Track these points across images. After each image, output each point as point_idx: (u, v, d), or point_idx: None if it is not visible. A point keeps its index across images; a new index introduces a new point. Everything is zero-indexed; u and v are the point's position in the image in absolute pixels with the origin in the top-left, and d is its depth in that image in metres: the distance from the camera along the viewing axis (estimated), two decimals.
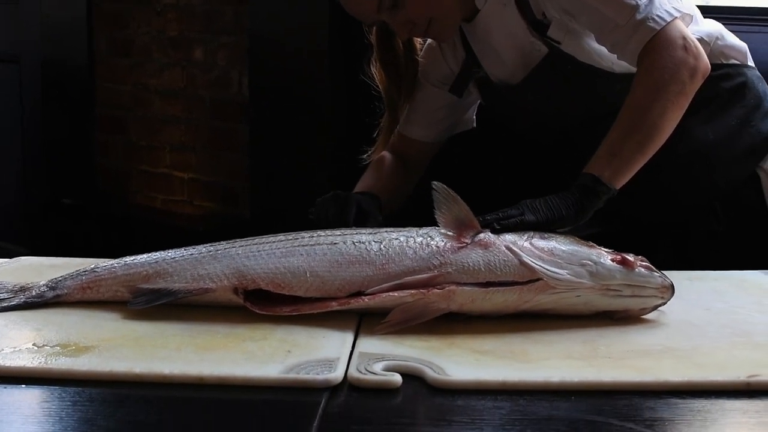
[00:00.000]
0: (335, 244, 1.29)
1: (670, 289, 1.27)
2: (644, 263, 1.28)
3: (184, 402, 1.03)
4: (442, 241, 1.27)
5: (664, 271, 1.30)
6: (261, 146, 3.42)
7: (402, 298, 1.23)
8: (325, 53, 3.09)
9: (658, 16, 1.54)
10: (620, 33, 1.58)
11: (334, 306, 1.24)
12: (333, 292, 1.25)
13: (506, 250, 1.25)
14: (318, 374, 1.05)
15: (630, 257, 1.27)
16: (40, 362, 1.09)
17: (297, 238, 1.31)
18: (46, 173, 4.26)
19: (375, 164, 1.91)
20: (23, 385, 1.06)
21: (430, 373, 1.06)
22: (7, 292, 1.35)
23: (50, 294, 1.33)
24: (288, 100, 3.27)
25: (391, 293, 1.23)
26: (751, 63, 1.83)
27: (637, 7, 1.55)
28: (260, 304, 1.26)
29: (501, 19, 1.73)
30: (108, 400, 1.03)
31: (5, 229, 4.34)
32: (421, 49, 1.90)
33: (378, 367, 1.08)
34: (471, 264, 1.24)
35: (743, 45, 1.82)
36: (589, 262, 1.25)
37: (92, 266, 1.36)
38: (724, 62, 1.78)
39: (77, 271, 1.36)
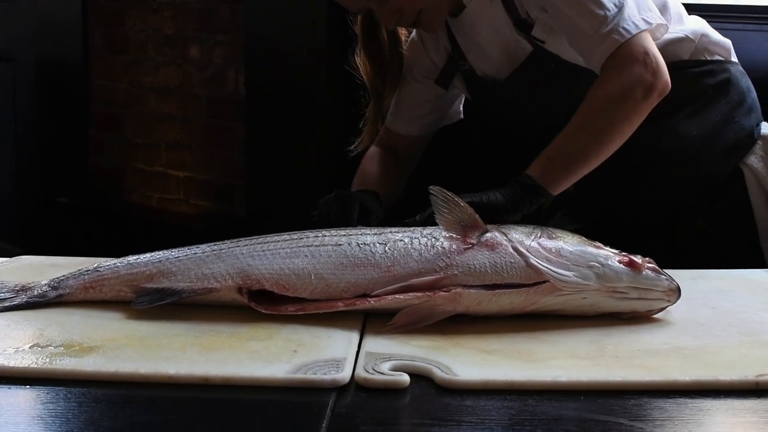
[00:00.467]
0: (340, 245, 1.28)
1: (677, 291, 1.27)
2: (651, 265, 1.27)
3: (190, 402, 1.02)
4: (448, 242, 1.27)
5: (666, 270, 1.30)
6: (257, 144, 3.42)
7: (408, 301, 1.22)
8: (321, 51, 3.08)
9: (624, 28, 1.55)
10: (588, 41, 1.59)
11: (340, 306, 1.24)
12: (338, 294, 1.25)
13: (513, 252, 1.24)
14: (326, 374, 1.04)
15: (637, 259, 1.26)
16: (44, 363, 1.08)
17: (302, 238, 1.30)
18: (40, 172, 4.25)
19: (368, 160, 1.92)
20: (27, 386, 1.05)
21: (438, 373, 1.05)
22: (8, 292, 1.34)
23: (52, 294, 1.32)
24: (284, 98, 3.27)
25: (397, 296, 1.22)
26: (734, 59, 1.84)
27: (605, 17, 1.56)
28: (265, 304, 1.25)
29: (487, 16, 1.73)
30: (114, 400, 1.02)
31: None
32: (406, 41, 1.90)
33: (385, 366, 1.07)
34: (477, 266, 1.23)
35: (727, 41, 1.83)
36: (597, 264, 1.24)
37: (95, 266, 1.35)
38: (709, 59, 1.79)
39: (79, 270, 1.35)
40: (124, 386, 1.05)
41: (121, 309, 1.29)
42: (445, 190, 1.29)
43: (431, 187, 1.30)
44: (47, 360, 1.09)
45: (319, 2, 2.97)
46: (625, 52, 1.55)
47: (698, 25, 1.81)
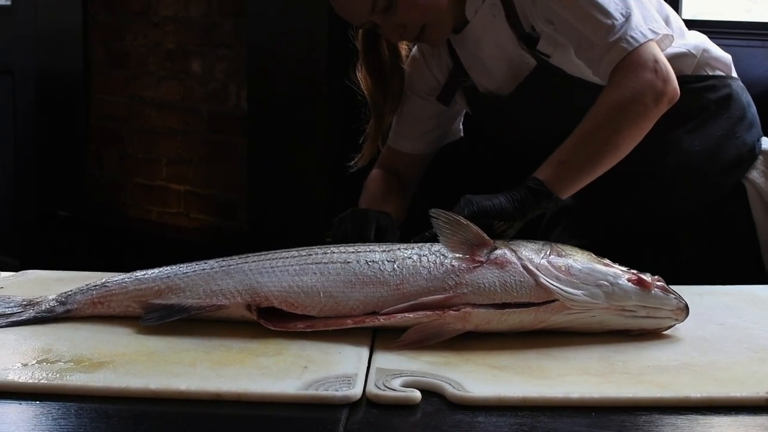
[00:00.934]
0: (348, 263, 1.27)
1: (685, 310, 1.27)
2: (660, 284, 1.27)
3: (202, 418, 1.02)
4: (457, 260, 1.27)
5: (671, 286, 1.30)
6: (259, 159, 3.42)
7: (417, 319, 1.22)
8: (323, 66, 3.09)
9: (631, 36, 1.55)
10: (595, 51, 1.59)
11: (349, 324, 1.24)
12: (347, 312, 1.24)
13: (523, 270, 1.24)
14: (337, 390, 1.04)
15: (646, 277, 1.26)
16: (54, 378, 1.08)
17: (310, 255, 1.30)
18: (39, 185, 4.25)
19: (372, 184, 1.90)
20: (37, 402, 1.05)
21: (450, 389, 1.05)
22: (16, 306, 1.34)
23: (60, 309, 1.32)
24: (287, 114, 3.27)
25: (406, 314, 1.22)
26: (734, 74, 1.84)
27: (612, 26, 1.56)
28: (274, 320, 1.25)
29: (490, 31, 1.73)
30: (126, 416, 1.03)
31: None
32: (407, 57, 1.90)
33: (396, 383, 1.07)
34: (487, 284, 1.23)
35: (727, 56, 1.84)
36: (606, 283, 1.24)
37: (102, 281, 1.34)
38: (710, 74, 1.80)
39: (87, 285, 1.35)
40: (136, 402, 1.05)
41: (129, 324, 1.29)
42: (446, 212, 1.29)
43: (431, 210, 1.29)
44: (57, 375, 1.09)
45: (322, 17, 2.98)
46: (633, 60, 1.55)
47: (699, 40, 1.82)
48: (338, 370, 1.12)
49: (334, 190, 3.01)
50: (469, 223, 1.30)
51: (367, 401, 1.05)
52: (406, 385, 1.07)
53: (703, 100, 1.77)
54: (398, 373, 1.10)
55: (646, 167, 1.56)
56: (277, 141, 3.33)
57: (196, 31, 3.67)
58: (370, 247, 1.31)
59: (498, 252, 1.27)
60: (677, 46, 1.73)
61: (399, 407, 1.04)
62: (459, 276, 1.24)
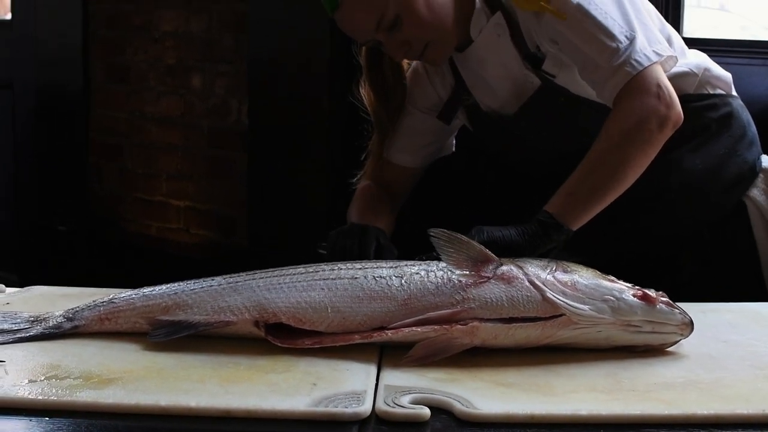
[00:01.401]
0: (356, 278, 1.28)
1: (690, 325, 1.28)
2: (664, 299, 1.28)
3: None
4: (463, 275, 1.27)
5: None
6: (259, 175, 3.43)
7: (425, 334, 1.23)
8: (325, 82, 3.10)
9: (636, 60, 1.56)
10: (599, 74, 1.60)
11: (357, 339, 1.24)
12: (354, 327, 1.25)
13: (529, 285, 1.25)
14: (347, 407, 1.05)
15: (651, 293, 1.27)
16: (64, 395, 1.09)
17: (317, 271, 1.31)
18: (39, 199, 4.25)
19: (364, 196, 1.90)
20: (47, 418, 1.05)
21: (458, 406, 1.06)
22: (23, 323, 1.34)
23: (68, 325, 1.33)
24: (287, 129, 3.28)
25: (414, 328, 1.23)
26: (734, 92, 1.86)
27: (617, 49, 1.57)
28: (281, 337, 1.26)
29: (495, 50, 1.74)
30: None
31: None
32: (407, 70, 1.90)
33: (405, 400, 1.08)
34: (494, 299, 1.24)
35: (728, 75, 1.85)
36: (611, 298, 1.26)
37: (110, 297, 1.35)
38: (711, 92, 1.81)
39: (94, 301, 1.35)
40: (146, 418, 1.05)
41: (136, 340, 1.30)
42: (446, 231, 1.30)
43: (430, 230, 1.30)
44: (67, 392, 1.10)
45: (323, 33, 2.99)
46: (637, 84, 1.56)
47: (700, 59, 1.83)
48: (347, 386, 1.12)
49: (334, 206, 3.01)
50: (470, 240, 1.31)
51: (376, 418, 1.05)
52: (415, 402, 1.08)
53: (705, 119, 1.78)
54: (407, 390, 1.11)
55: (648, 187, 1.57)
56: (278, 157, 3.33)
57: (196, 47, 3.68)
58: (378, 263, 1.32)
59: (504, 268, 1.28)
60: (679, 66, 1.74)
61: (408, 424, 1.04)
62: (466, 291, 1.25)
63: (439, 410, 1.07)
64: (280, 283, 1.29)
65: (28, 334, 1.31)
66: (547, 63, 1.70)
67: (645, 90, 1.55)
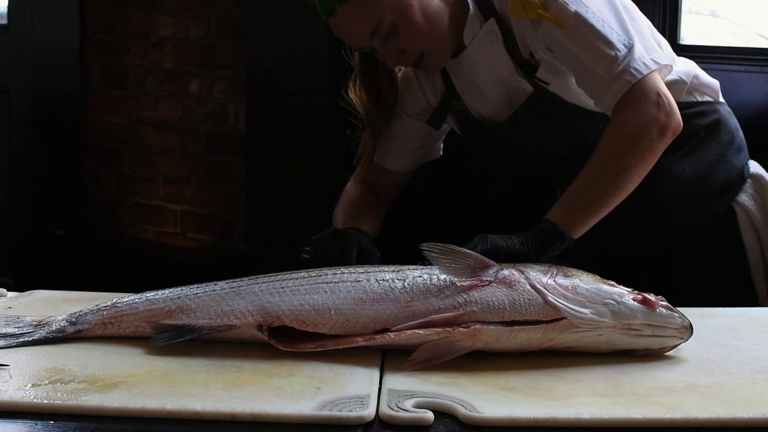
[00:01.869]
0: (359, 281, 1.29)
1: (690, 329, 1.29)
2: (664, 303, 1.29)
3: None
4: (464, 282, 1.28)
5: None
6: (257, 179, 3.43)
7: (427, 336, 1.23)
8: (323, 86, 3.11)
9: (635, 68, 1.57)
10: (598, 82, 1.60)
11: (360, 342, 1.25)
12: (357, 329, 1.26)
13: (531, 289, 1.26)
14: (351, 411, 1.06)
15: (651, 297, 1.28)
16: (69, 398, 1.09)
17: (320, 275, 1.32)
18: (36, 204, 4.24)
19: (350, 198, 1.90)
20: (52, 421, 1.05)
21: (462, 410, 1.07)
22: (26, 327, 1.34)
23: (71, 329, 1.33)
24: (285, 134, 3.29)
25: (416, 331, 1.24)
26: (722, 99, 1.87)
27: (616, 58, 1.57)
28: (284, 341, 1.27)
29: (487, 57, 1.74)
30: None
31: None
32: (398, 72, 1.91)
33: (409, 404, 1.09)
34: (496, 303, 1.25)
35: (715, 82, 1.87)
36: (612, 302, 1.27)
37: (113, 301, 1.35)
38: (699, 99, 1.83)
39: (97, 305, 1.36)
40: (152, 422, 1.06)
41: (140, 344, 1.30)
42: (437, 243, 1.30)
43: (422, 245, 1.31)
44: (72, 396, 1.10)
45: (322, 38, 3.00)
46: (637, 92, 1.57)
47: (688, 66, 1.85)
48: (351, 390, 1.13)
49: (332, 211, 3.02)
50: (464, 249, 1.32)
51: (380, 421, 1.06)
52: (419, 406, 1.08)
53: (694, 126, 1.79)
54: (410, 394, 1.12)
55: (638, 193, 1.58)
56: (276, 161, 3.34)
57: (195, 52, 3.68)
58: (381, 267, 1.33)
59: (505, 272, 1.30)
60: (670, 74, 1.75)
61: (412, 428, 1.05)
62: (468, 294, 1.26)
63: (443, 414, 1.08)
64: (283, 287, 1.30)
65: (31, 338, 1.31)
66: (540, 70, 1.71)
67: (645, 98, 1.56)
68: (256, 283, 1.32)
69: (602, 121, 1.64)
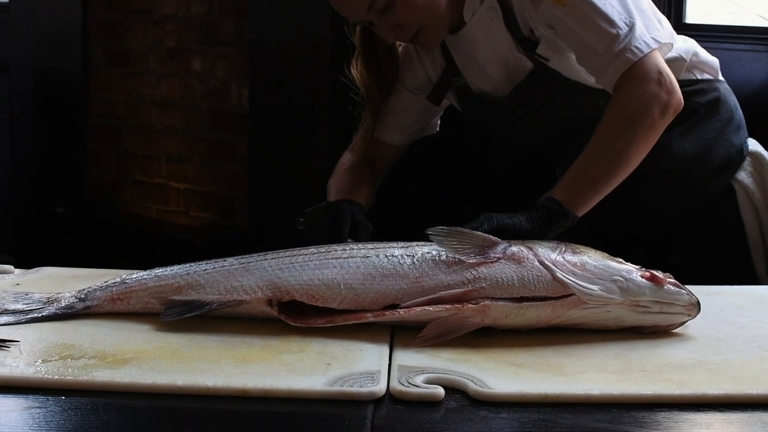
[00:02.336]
0: (368, 257, 1.30)
1: (697, 306, 1.30)
2: (672, 280, 1.30)
3: (228, 414, 1.04)
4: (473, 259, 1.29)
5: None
6: (259, 157, 3.43)
7: (437, 313, 1.24)
8: (326, 64, 3.10)
9: (636, 47, 1.57)
10: (599, 60, 1.61)
11: (369, 318, 1.26)
12: (367, 304, 1.26)
13: (539, 265, 1.26)
14: (362, 387, 1.06)
15: (659, 274, 1.29)
16: (80, 374, 1.09)
17: (329, 251, 1.32)
18: (37, 182, 4.24)
19: (347, 169, 1.90)
20: (63, 397, 1.06)
21: (472, 386, 1.07)
22: (35, 303, 1.34)
23: (80, 305, 1.33)
24: (288, 112, 3.28)
25: (426, 307, 1.24)
26: (721, 77, 1.87)
27: (617, 36, 1.58)
28: (293, 317, 1.27)
29: (487, 33, 1.74)
30: (152, 412, 1.04)
31: None
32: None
33: (419, 379, 1.09)
34: (505, 279, 1.26)
35: (715, 60, 1.87)
36: (620, 278, 1.27)
37: (122, 277, 1.36)
38: (699, 77, 1.83)
39: (106, 282, 1.36)
40: (163, 398, 1.06)
41: (149, 321, 1.30)
42: (443, 227, 1.31)
43: (428, 230, 1.31)
44: (83, 371, 1.10)
45: (324, 15, 2.99)
46: (638, 71, 1.57)
47: (688, 44, 1.85)
48: (361, 366, 1.13)
49: None
50: (470, 230, 1.33)
51: (390, 397, 1.07)
52: (429, 382, 1.09)
53: (693, 103, 1.79)
54: (420, 370, 1.12)
55: (638, 171, 1.58)
56: (278, 139, 3.34)
57: (196, 30, 3.67)
58: (390, 243, 1.33)
59: (514, 248, 1.30)
60: (670, 51, 1.75)
61: (422, 403, 1.05)
62: (477, 270, 1.27)
63: (453, 390, 1.08)
64: (292, 263, 1.30)
65: (40, 315, 1.31)
66: (540, 47, 1.71)
67: (646, 77, 1.56)
68: (266, 259, 1.32)
69: (603, 98, 1.65)
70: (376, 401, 1.05)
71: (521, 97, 1.78)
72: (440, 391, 1.06)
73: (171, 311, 1.29)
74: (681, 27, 2.74)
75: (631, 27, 1.58)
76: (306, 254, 1.32)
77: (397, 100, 1.90)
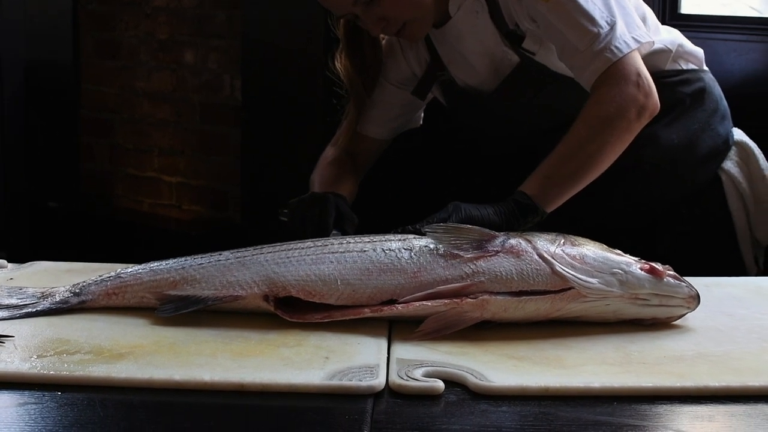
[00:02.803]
0: (365, 251, 1.28)
1: (697, 298, 1.29)
2: (671, 272, 1.29)
3: (226, 409, 1.03)
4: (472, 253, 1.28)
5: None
6: (252, 150, 3.42)
7: (435, 308, 1.23)
8: (319, 57, 3.08)
9: (616, 47, 1.57)
10: (579, 58, 1.61)
11: (367, 312, 1.25)
12: (364, 300, 1.25)
13: (538, 258, 1.25)
14: (361, 380, 1.05)
15: (658, 266, 1.28)
16: (75, 369, 1.08)
17: (326, 245, 1.31)
18: (29, 176, 4.22)
19: (330, 163, 1.90)
20: (59, 392, 1.05)
21: (472, 379, 1.07)
22: (29, 298, 1.33)
23: (75, 300, 1.32)
24: (281, 104, 3.27)
25: (424, 302, 1.23)
26: (705, 67, 1.88)
27: (597, 35, 1.58)
28: (290, 312, 1.26)
29: (473, 27, 1.74)
30: (151, 407, 1.03)
31: None
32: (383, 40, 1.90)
33: (418, 373, 1.08)
34: (503, 273, 1.25)
35: (699, 50, 1.88)
36: (619, 271, 1.26)
37: (117, 272, 1.34)
38: (684, 68, 1.84)
39: (101, 276, 1.35)
40: (160, 393, 1.05)
41: (145, 315, 1.29)
42: (440, 224, 1.32)
43: (426, 228, 1.31)
44: (78, 367, 1.09)
45: (317, 8, 2.96)
46: (617, 71, 1.57)
47: (673, 35, 1.86)
48: (359, 360, 1.12)
49: None
50: (469, 226, 1.32)
51: (390, 391, 1.06)
52: (428, 375, 1.08)
53: (679, 94, 1.80)
54: (419, 364, 1.11)
55: (624, 162, 1.58)
56: (271, 131, 3.32)
57: (188, 22, 3.65)
58: (387, 237, 1.32)
59: (513, 241, 1.29)
60: (652, 48, 1.75)
61: (422, 397, 1.05)
62: (476, 264, 1.26)
63: (453, 383, 1.08)
64: (288, 257, 1.29)
65: (35, 309, 1.30)
66: (527, 41, 1.71)
67: (624, 78, 1.56)
68: (261, 253, 1.31)
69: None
70: (375, 395, 1.04)
71: (508, 92, 1.78)
72: (440, 384, 1.05)
73: (167, 307, 1.28)
74: (676, 18, 2.73)
75: (612, 26, 1.58)
76: (302, 248, 1.30)
77: (380, 94, 1.90)
